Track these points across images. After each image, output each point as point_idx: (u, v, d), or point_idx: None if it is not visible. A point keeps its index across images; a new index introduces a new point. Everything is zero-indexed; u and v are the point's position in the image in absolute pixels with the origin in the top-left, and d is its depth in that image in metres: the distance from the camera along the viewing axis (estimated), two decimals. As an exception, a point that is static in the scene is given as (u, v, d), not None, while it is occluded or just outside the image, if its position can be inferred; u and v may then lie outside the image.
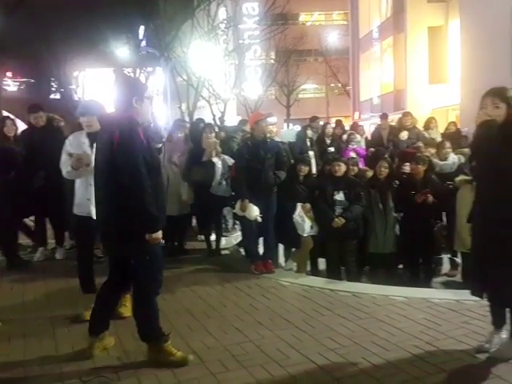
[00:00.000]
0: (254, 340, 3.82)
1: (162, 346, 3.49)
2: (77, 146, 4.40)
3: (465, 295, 4.53)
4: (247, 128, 7.70)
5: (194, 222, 7.83)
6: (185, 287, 5.26)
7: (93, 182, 4.12)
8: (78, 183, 4.43)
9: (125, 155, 3.23)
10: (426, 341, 3.68)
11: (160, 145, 6.32)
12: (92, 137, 4.24)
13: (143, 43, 27.35)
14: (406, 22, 23.96)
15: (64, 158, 4.43)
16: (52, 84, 37.74)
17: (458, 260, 6.26)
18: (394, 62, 25.90)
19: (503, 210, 3.25)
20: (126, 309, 4.45)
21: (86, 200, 4.29)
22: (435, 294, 4.82)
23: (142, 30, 27.24)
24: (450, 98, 21.40)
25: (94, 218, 4.13)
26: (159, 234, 3.37)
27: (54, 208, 6.18)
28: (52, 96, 37.10)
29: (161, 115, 21.32)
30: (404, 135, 8.63)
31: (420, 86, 23.60)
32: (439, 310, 4.30)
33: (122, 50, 24.92)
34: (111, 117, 3.55)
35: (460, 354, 3.45)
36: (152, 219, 3.31)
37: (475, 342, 3.58)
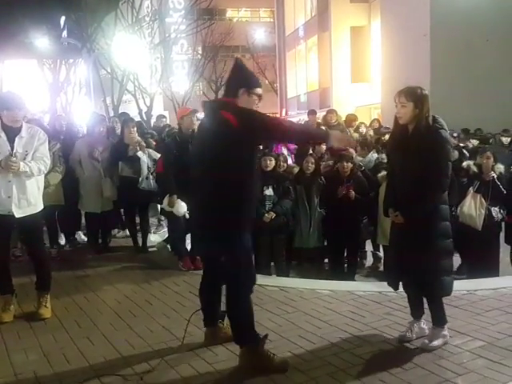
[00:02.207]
0: (181, 337, 3.73)
1: (259, 349, 3.25)
2: None
3: (387, 287, 4.70)
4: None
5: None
6: (109, 285, 5.08)
7: (13, 179, 3.89)
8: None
9: (261, 125, 3.12)
10: (351, 332, 3.77)
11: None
12: (11, 132, 3.99)
13: (64, 34, 26.15)
14: (330, 21, 24.58)
15: None
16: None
17: (381, 253, 6.51)
18: (319, 60, 26.50)
19: (410, 203, 3.34)
20: (47, 310, 4.25)
21: (6, 198, 4.01)
22: (359, 287, 4.96)
23: (62, 20, 26.04)
24: (372, 97, 22.23)
25: (16, 216, 3.97)
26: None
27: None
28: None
29: (84, 109, 20.51)
30: None
31: (344, 84, 24.33)
32: (363, 301, 4.42)
33: (41, 41, 23.68)
34: (219, 103, 3.37)
35: (382, 344, 3.56)
36: (323, 132, 3.56)
37: (397, 332, 3.70)
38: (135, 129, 6.51)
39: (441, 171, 3.28)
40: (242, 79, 3.31)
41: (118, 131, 7.03)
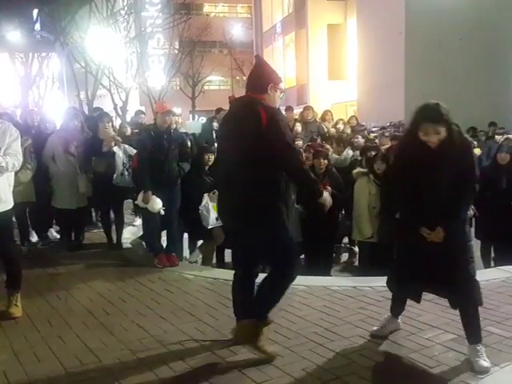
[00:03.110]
0: (156, 335, 3.71)
1: (261, 328, 3.32)
2: None
3: (361, 282, 4.78)
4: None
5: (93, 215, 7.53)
6: (82, 283, 5.01)
7: None
8: None
9: (278, 135, 3.14)
10: (326, 327, 3.79)
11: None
12: None
13: (37, 27, 25.65)
14: (307, 18, 24.69)
15: None
16: None
17: (356, 249, 6.57)
18: (297, 57, 26.60)
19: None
20: (17, 309, 4.17)
21: None
22: (334, 282, 4.99)
23: (35, 13, 25.53)
24: (348, 94, 22.43)
25: None
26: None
27: None
28: None
29: (57, 103, 20.15)
30: (298, 128, 8.89)
31: (321, 81, 24.47)
32: (338, 296, 4.45)
33: (13, 34, 23.18)
34: (245, 100, 3.38)
35: (357, 338, 3.59)
36: (317, 184, 3.41)
37: (370, 326, 3.74)
38: (110, 124, 6.43)
39: (473, 172, 3.17)
40: (269, 75, 3.42)
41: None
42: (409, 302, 4.10)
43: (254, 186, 3.19)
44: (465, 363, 3.17)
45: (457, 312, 3.92)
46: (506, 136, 7.03)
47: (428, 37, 16.36)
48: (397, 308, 3.64)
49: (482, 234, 5.97)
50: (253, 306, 3.39)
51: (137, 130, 7.79)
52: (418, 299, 3.51)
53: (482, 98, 16.14)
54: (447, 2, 16.08)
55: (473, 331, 3.22)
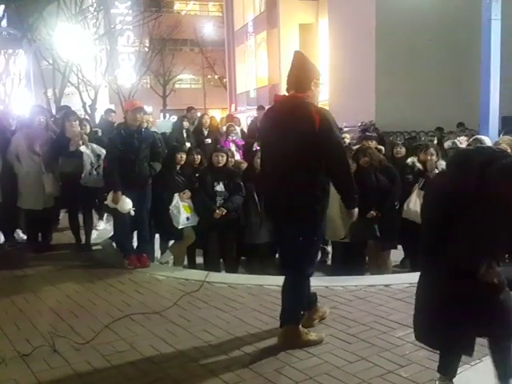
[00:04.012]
0: (126, 338, 3.65)
1: (299, 328, 3.48)
2: None
3: (334, 281, 4.80)
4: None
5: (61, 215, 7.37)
6: (50, 286, 4.89)
7: None
8: None
9: (330, 135, 3.28)
10: (298, 327, 3.79)
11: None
12: None
13: (3, 23, 25.01)
14: (279, 17, 24.74)
15: None
16: None
17: (329, 248, 6.59)
18: (269, 56, 26.62)
19: None
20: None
21: None
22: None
23: (2, 9, 24.89)
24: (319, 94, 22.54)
25: None
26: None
27: None
28: None
29: (24, 101, 19.68)
30: None
31: (292, 80, 24.51)
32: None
33: (-21, 30, 22.56)
34: (294, 101, 3.40)
35: (329, 338, 3.59)
36: (356, 192, 3.44)
37: (342, 325, 3.77)
38: (77, 122, 6.29)
39: None
40: (311, 71, 3.46)
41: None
42: (379, 301, 4.16)
43: (304, 186, 3.31)
44: (434, 361, 3.21)
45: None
46: (474, 136, 7.16)
47: (398, 37, 16.59)
48: (452, 365, 2.83)
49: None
50: (282, 311, 3.55)
51: (97, 129, 7.59)
52: (470, 352, 2.71)
53: (450, 98, 16.46)
54: (417, 3, 16.32)
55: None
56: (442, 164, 5.88)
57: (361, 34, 17.83)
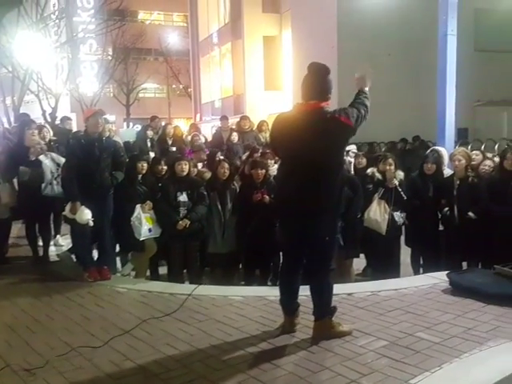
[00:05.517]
0: (85, 353, 3.54)
1: (331, 320, 3.73)
2: None
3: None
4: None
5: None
6: (4, 300, 4.71)
7: None
8: None
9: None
10: (262, 338, 3.76)
11: None
12: None
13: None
14: (243, 29, 24.88)
15: None
16: None
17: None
18: (233, 67, 26.71)
19: None
20: None
21: None
22: (271, 292, 4.95)
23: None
24: (283, 105, 22.72)
25: None
26: None
27: None
28: None
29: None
30: (234, 137, 8.93)
31: (257, 91, 24.69)
32: (274, 306, 4.42)
33: None
34: (314, 106, 3.58)
35: (293, 348, 3.59)
36: None
37: (305, 335, 3.76)
38: (37, 131, 6.13)
39: None
40: (331, 81, 3.66)
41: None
42: (342, 309, 4.19)
43: (329, 188, 3.58)
44: (396, 369, 3.24)
45: (389, 318, 4.05)
46: (432, 148, 7.36)
47: (359, 51, 16.90)
48: None
49: (411, 242, 6.20)
50: (316, 308, 3.75)
51: (55, 138, 7.42)
52: None
53: (409, 111, 16.90)
54: (377, 18, 16.72)
55: None
56: (401, 174, 6.01)
57: (323, 46, 18.11)
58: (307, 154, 3.51)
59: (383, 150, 13.65)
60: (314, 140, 3.49)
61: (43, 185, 5.84)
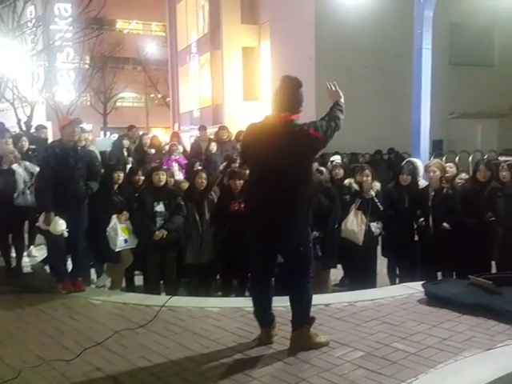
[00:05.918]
0: (58, 367, 3.46)
1: (309, 331, 3.72)
2: None
3: (274, 302, 4.77)
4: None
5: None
6: (-25, 313, 4.59)
7: None
8: None
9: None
10: (239, 350, 3.74)
11: None
12: None
13: None
14: (222, 40, 24.97)
15: None
16: None
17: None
18: (212, 77, 26.73)
19: None
20: None
21: None
22: (248, 303, 4.89)
23: None
24: (262, 115, 22.78)
25: None
26: None
27: None
28: None
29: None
30: (213, 147, 8.95)
31: (235, 102, 24.75)
32: (251, 318, 4.36)
33: None
34: (285, 119, 3.61)
35: (270, 359, 3.57)
36: None
37: (283, 346, 3.74)
38: (11, 140, 6.03)
39: None
40: (302, 94, 3.69)
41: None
42: (320, 320, 4.19)
43: (300, 199, 3.61)
44: (373, 380, 3.25)
45: (365, 329, 4.06)
46: (407, 159, 7.46)
47: (337, 63, 17.10)
48: None
49: (387, 252, 6.25)
50: (294, 318, 3.75)
51: (33, 147, 7.31)
52: None
53: (385, 123, 17.10)
54: (354, 31, 16.94)
55: None
56: (377, 185, 6.08)
57: (301, 58, 18.27)
58: (276, 164, 3.54)
59: (360, 160, 13.80)
60: (282, 151, 3.53)
61: (15, 194, 5.74)
